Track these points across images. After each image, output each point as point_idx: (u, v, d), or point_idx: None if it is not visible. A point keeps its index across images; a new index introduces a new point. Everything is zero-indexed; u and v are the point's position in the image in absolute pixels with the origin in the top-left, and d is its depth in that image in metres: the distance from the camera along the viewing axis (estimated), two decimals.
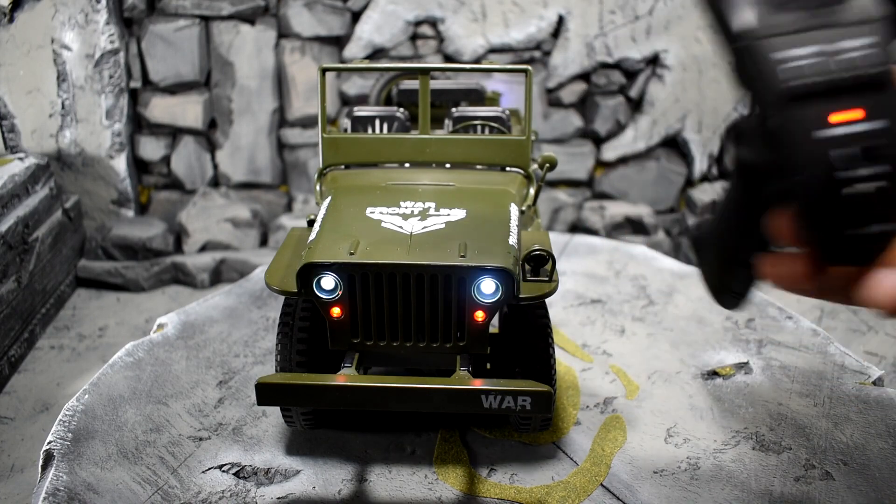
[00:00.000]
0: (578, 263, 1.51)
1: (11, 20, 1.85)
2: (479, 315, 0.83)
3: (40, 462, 0.92)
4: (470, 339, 0.85)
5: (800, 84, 0.49)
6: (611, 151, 2.22)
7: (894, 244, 0.56)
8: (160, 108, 2.07)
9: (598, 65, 2.13)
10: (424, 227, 0.88)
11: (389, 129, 1.19)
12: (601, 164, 2.28)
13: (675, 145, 2.25)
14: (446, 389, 0.77)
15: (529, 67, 1.04)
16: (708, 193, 2.08)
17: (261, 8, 2.03)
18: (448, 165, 1.07)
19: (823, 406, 1.05)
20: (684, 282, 1.42)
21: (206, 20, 2.03)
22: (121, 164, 2.01)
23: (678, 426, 1.02)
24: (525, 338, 0.91)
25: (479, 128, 1.19)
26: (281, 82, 2.11)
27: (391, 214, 0.91)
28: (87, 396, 1.04)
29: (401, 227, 0.88)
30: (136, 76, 2.03)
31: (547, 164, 1.04)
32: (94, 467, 0.92)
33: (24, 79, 1.90)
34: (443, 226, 0.88)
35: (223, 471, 0.93)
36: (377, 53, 2.09)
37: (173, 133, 2.12)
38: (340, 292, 0.83)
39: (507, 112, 1.23)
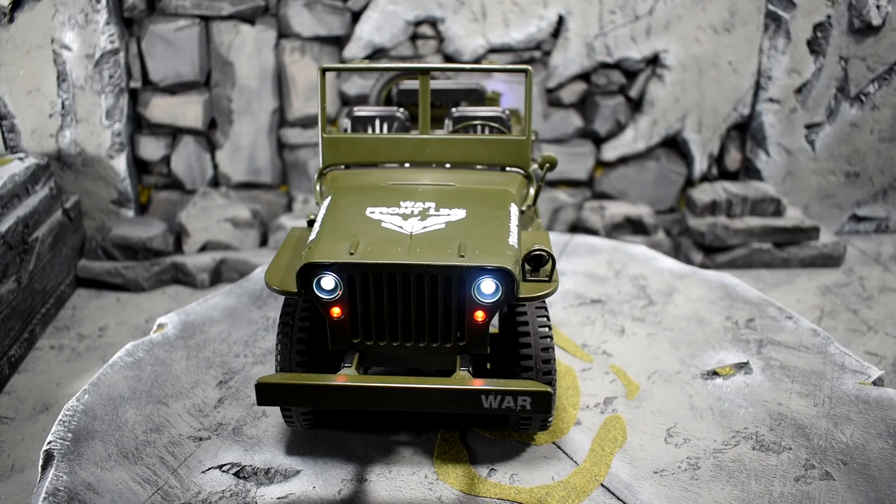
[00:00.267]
0: (578, 263, 1.51)
1: (11, 20, 1.84)
2: (479, 315, 0.84)
3: (40, 462, 0.92)
4: (470, 339, 0.85)
5: None
6: (611, 151, 2.22)
7: None
8: (160, 108, 2.07)
9: (598, 65, 2.13)
10: (424, 227, 0.88)
11: (389, 129, 1.19)
12: (601, 164, 2.28)
13: (675, 145, 2.26)
14: (446, 389, 0.77)
15: (529, 67, 1.04)
16: (708, 193, 2.09)
17: (261, 8, 2.03)
18: (448, 165, 1.07)
19: (823, 406, 1.05)
20: (684, 282, 1.42)
21: (206, 20, 2.03)
22: (121, 164, 2.01)
23: (678, 426, 1.02)
24: (525, 338, 0.91)
25: (479, 128, 1.19)
26: (281, 82, 2.12)
27: (391, 214, 0.91)
28: (87, 396, 1.04)
29: (401, 227, 0.88)
30: (136, 76, 2.03)
31: (547, 164, 1.04)
32: (94, 467, 0.92)
33: (24, 79, 1.90)
34: (443, 226, 0.88)
35: (223, 471, 0.93)
36: (377, 53, 2.10)
37: (173, 133, 2.12)
38: (340, 292, 0.83)
39: (507, 112, 1.23)
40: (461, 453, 0.97)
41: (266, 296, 1.37)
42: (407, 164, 1.08)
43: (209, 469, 0.93)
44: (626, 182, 2.27)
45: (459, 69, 1.08)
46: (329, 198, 0.98)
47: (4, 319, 1.47)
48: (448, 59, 2.10)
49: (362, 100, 2.10)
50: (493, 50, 2.11)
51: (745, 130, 2.25)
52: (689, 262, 2.05)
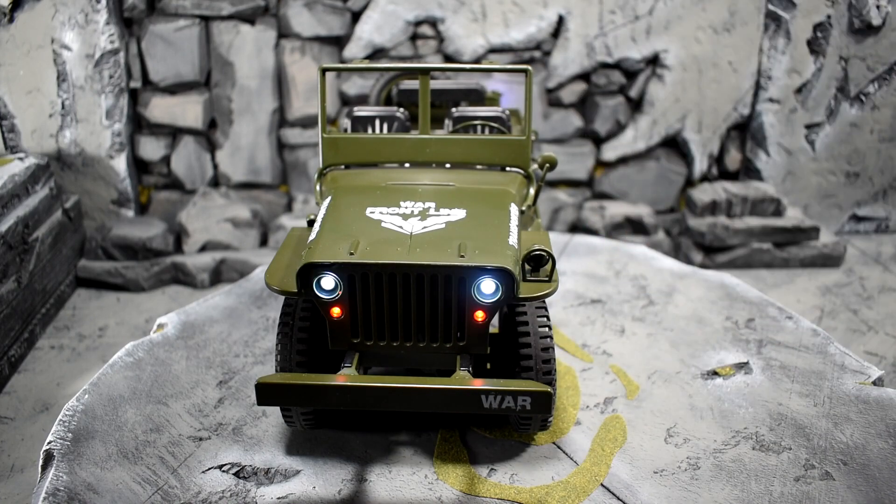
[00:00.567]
0: (578, 263, 1.51)
1: (11, 20, 1.84)
2: (479, 315, 0.84)
3: (40, 462, 0.92)
4: (470, 339, 0.85)
5: None
6: (611, 151, 2.22)
7: None
8: (160, 108, 2.07)
9: (598, 65, 2.13)
10: (424, 227, 0.88)
11: (389, 129, 1.19)
12: (601, 164, 2.28)
13: (675, 145, 2.26)
14: (446, 389, 0.77)
15: (529, 67, 1.04)
16: (708, 193, 2.09)
17: (261, 8, 2.03)
18: (448, 165, 1.07)
19: (823, 406, 1.05)
20: (684, 282, 1.42)
21: (206, 20, 2.03)
22: (121, 164, 2.01)
23: (678, 426, 1.02)
24: (525, 338, 0.91)
25: (479, 128, 1.19)
26: (281, 82, 2.12)
27: (391, 214, 0.91)
28: (87, 396, 1.04)
29: (401, 227, 0.88)
30: (136, 76, 2.03)
31: (547, 164, 1.04)
32: (94, 467, 0.92)
33: (24, 79, 1.90)
34: (443, 226, 0.88)
35: (223, 471, 0.93)
36: (377, 53, 2.10)
37: (173, 133, 2.12)
38: (340, 292, 0.83)
39: (507, 112, 1.23)
40: (461, 453, 0.97)
41: (266, 296, 1.37)
42: (407, 164, 1.08)
43: (209, 469, 0.93)
44: (626, 182, 2.27)
45: (459, 69, 1.08)
46: (329, 198, 0.98)
47: (4, 319, 1.47)
48: (448, 59, 2.10)
49: (362, 100, 2.10)
50: (493, 50, 2.11)
51: (745, 130, 2.25)
52: (689, 262, 2.05)
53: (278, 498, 0.89)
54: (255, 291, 1.39)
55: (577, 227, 2.21)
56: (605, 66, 2.14)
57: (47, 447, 0.93)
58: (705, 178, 2.29)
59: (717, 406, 1.06)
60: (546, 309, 0.94)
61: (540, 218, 1.15)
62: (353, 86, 2.11)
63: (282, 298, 1.24)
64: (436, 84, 1.48)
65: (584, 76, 2.16)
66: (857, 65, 2.14)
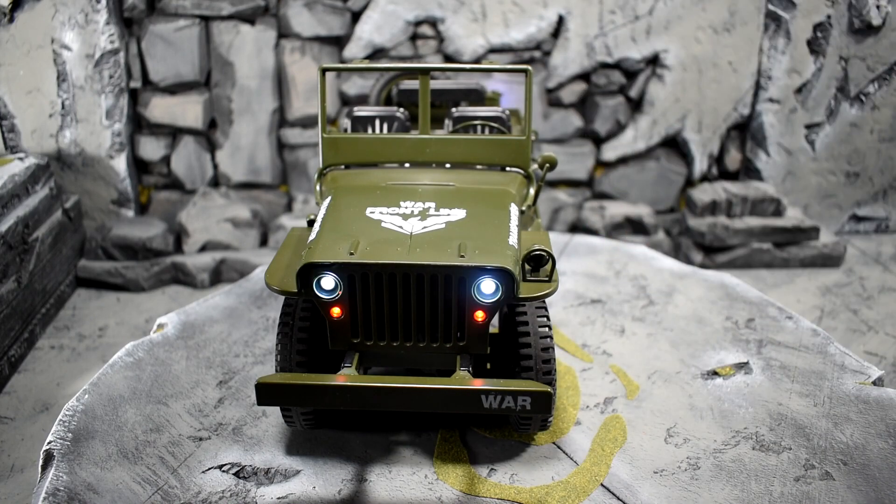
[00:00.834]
0: (578, 263, 1.51)
1: (11, 20, 1.84)
2: (479, 315, 0.84)
3: (40, 462, 0.92)
4: (470, 339, 0.85)
5: None
6: (611, 151, 2.22)
7: None
8: (160, 108, 2.07)
9: (598, 65, 2.13)
10: (424, 227, 0.88)
11: (389, 129, 1.19)
12: (601, 164, 2.28)
13: (675, 145, 2.26)
14: (446, 389, 0.77)
15: (529, 67, 1.04)
16: (708, 193, 2.09)
17: (261, 8, 2.03)
18: (448, 165, 1.07)
19: (823, 406, 1.05)
20: (684, 282, 1.42)
21: (206, 20, 2.03)
22: (121, 164, 2.01)
23: (678, 426, 1.02)
24: (525, 338, 0.91)
25: (479, 128, 1.19)
26: (281, 82, 2.12)
27: (391, 214, 0.91)
28: (87, 396, 1.04)
29: (401, 227, 0.88)
30: (136, 76, 2.03)
31: (547, 164, 1.04)
32: (94, 467, 0.92)
33: (24, 79, 1.90)
34: (443, 226, 0.88)
35: (223, 471, 0.93)
36: (377, 53, 2.10)
37: (173, 133, 2.12)
38: (340, 292, 0.83)
39: (507, 112, 1.23)
40: (461, 453, 0.97)
41: (266, 296, 1.37)
42: (407, 164, 1.08)
43: (209, 469, 0.93)
44: (626, 182, 2.27)
45: (459, 69, 1.08)
46: (329, 198, 0.98)
47: (4, 319, 1.47)
48: (448, 59, 2.10)
49: (362, 100, 2.10)
50: (493, 50, 2.11)
51: (745, 130, 2.25)
52: (689, 262, 2.05)
53: (278, 498, 0.89)
54: (255, 291, 1.39)
55: (577, 227, 2.21)
56: (605, 66, 2.14)
57: (47, 447, 0.93)
58: (705, 178, 2.29)
59: (717, 406, 1.06)
60: (546, 309, 0.94)
61: (540, 218, 1.15)
62: (353, 86, 2.11)
63: (282, 298, 1.24)
64: (436, 84, 1.48)
65: (584, 76, 2.16)
66: (857, 65, 2.14)
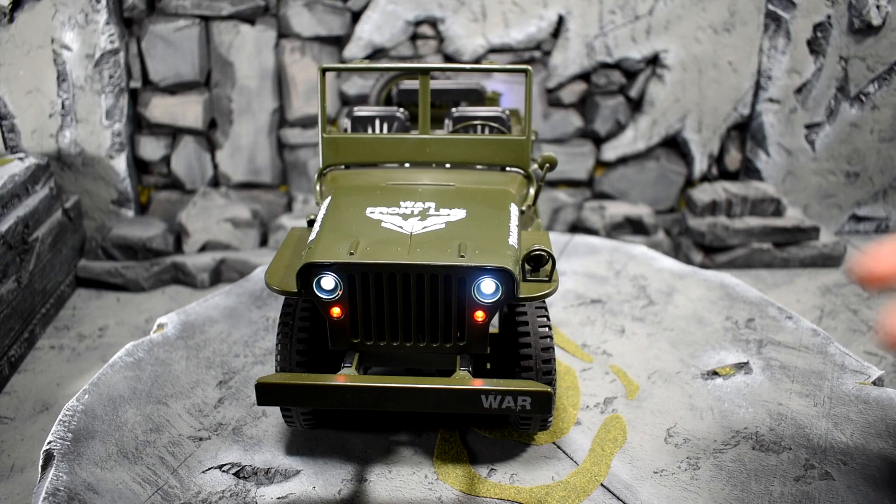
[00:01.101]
0: (578, 263, 1.51)
1: (11, 20, 1.84)
2: (479, 315, 0.84)
3: (40, 462, 0.92)
4: (470, 339, 0.85)
5: None
6: (611, 151, 2.22)
7: None
8: (160, 108, 2.07)
9: (598, 65, 2.13)
10: (424, 227, 0.88)
11: (389, 129, 1.19)
12: (601, 164, 2.28)
13: (675, 145, 2.26)
14: (446, 389, 0.77)
15: (529, 67, 1.04)
16: (708, 193, 2.09)
17: (261, 8, 2.03)
18: (448, 165, 1.07)
19: (823, 406, 1.05)
20: (684, 282, 1.42)
21: (206, 20, 2.03)
22: (121, 164, 2.01)
23: (678, 426, 1.02)
24: (525, 338, 0.91)
25: (479, 128, 1.19)
26: (281, 82, 2.12)
27: (391, 214, 0.91)
28: (87, 396, 1.04)
29: (401, 227, 0.88)
30: (136, 76, 2.03)
31: (547, 164, 1.04)
32: (94, 467, 0.92)
33: (24, 79, 1.90)
34: (443, 226, 0.88)
35: (223, 471, 0.93)
36: (377, 53, 2.10)
37: (173, 133, 2.12)
38: (340, 292, 0.83)
39: (507, 112, 1.23)
40: (461, 453, 0.97)
41: (266, 296, 1.37)
42: (407, 165, 1.08)
43: (209, 469, 0.93)
44: (626, 182, 2.27)
45: (459, 69, 1.08)
46: (329, 198, 0.98)
47: (4, 319, 1.47)
48: (448, 59, 2.10)
49: (362, 100, 2.10)
50: (493, 50, 2.11)
51: (745, 130, 2.25)
52: (689, 262, 2.05)
53: (278, 498, 0.89)
54: (255, 291, 1.39)
55: (577, 227, 2.21)
56: (605, 66, 2.14)
57: (47, 447, 0.93)
58: (705, 178, 2.29)
59: (717, 406, 1.06)
60: (546, 309, 0.94)
61: (540, 218, 1.15)
62: (353, 86, 2.11)
63: (282, 298, 1.24)
64: (436, 84, 1.48)
65: (584, 76, 2.16)
66: (857, 65, 2.14)
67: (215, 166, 2.17)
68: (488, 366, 1.01)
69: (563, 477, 0.93)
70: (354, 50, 2.08)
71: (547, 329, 0.91)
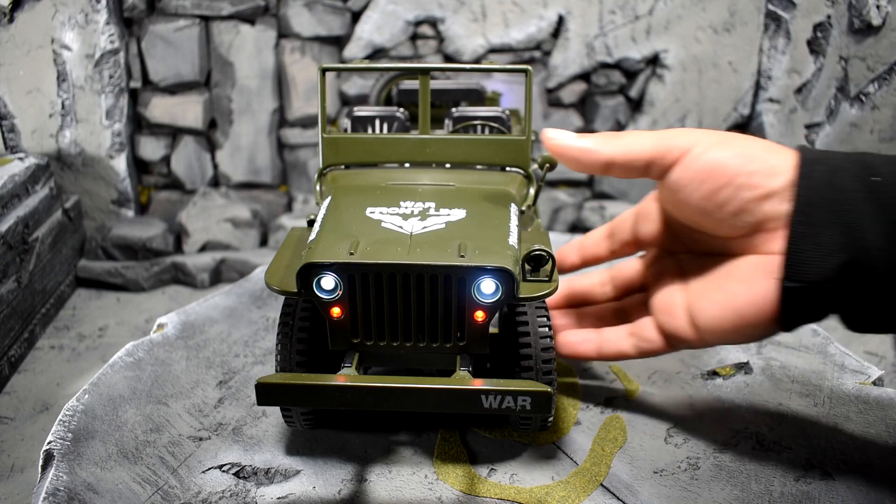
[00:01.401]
0: None
1: (11, 20, 1.84)
2: (479, 315, 0.84)
3: (40, 462, 0.92)
4: (470, 339, 0.85)
5: None
6: None
7: None
8: (160, 108, 2.07)
9: (598, 65, 2.13)
10: (424, 227, 0.88)
11: (389, 129, 1.19)
12: None
13: None
14: (446, 389, 0.77)
15: (529, 67, 1.04)
16: None
17: (261, 8, 2.03)
18: (448, 165, 1.07)
19: (823, 406, 1.05)
20: None
21: (206, 20, 2.03)
22: (121, 164, 2.01)
23: (678, 426, 1.02)
24: (525, 338, 0.91)
25: (479, 128, 1.19)
26: (281, 82, 2.12)
27: (391, 214, 0.91)
28: (87, 396, 1.04)
29: (401, 227, 0.88)
30: (136, 76, 2.03)
31: (547, 164, 1.04)
32: (94, 467, 0.92)
33: (24, 79, 1.90)
34: (443, 226, 0.88)
35: (223, 471, 0.93)
36: (377, 53, 2.10)
37: (173, 133, 2.12)
38: (340, 292, 0.83)
39: (507, 112, 1.23)
40: (461, 453, 0.97)
41: (266, 296, 1.37)
42: (407, 165, 1.08)
43: (209, 469, 0.93)
44: (625, 182, 2.27)
45: (459, 69, 1.08)
46: (329, 198, 0.98)
47: (4, 319, 1.47)
48: (448, 59, 2.10)
49: (362, 100, 2.10)
50: (493, 50, 2.11)
51: (745, 130, 2.25)
52: None
53: (278, 498, 0.89)
54: (255, 291, 1.39)
55: (577, 227, 2.21)
56: (605, 66, 2.14)
57: (47, 447, 0.93)
58: None
59: (717, 406, 1.06)
60: (546, 309, 0.94)
61: (540, 218, 1.15)
62: (353, 86, 2.11)
63: (282, 298, 1.24)
64: (436, 84, 1.48)
65: (584, 76, 2.16)
66: (857, 65, 2.14)
67: (215, 166, 2.17)
68: (488, 366, 1.01)
69: (563, 477, 0.93)
70: (354, 50, 2.08)
71: (547, 329, 0.91)
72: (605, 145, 0.91)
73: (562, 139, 0.92)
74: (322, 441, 0.99)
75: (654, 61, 2.14)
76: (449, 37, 2.08)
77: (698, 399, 1.08)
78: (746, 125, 2.24)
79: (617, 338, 1.01)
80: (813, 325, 1.25)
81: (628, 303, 1.09)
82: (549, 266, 0.86)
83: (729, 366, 1.15)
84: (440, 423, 1.03)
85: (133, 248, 1.92)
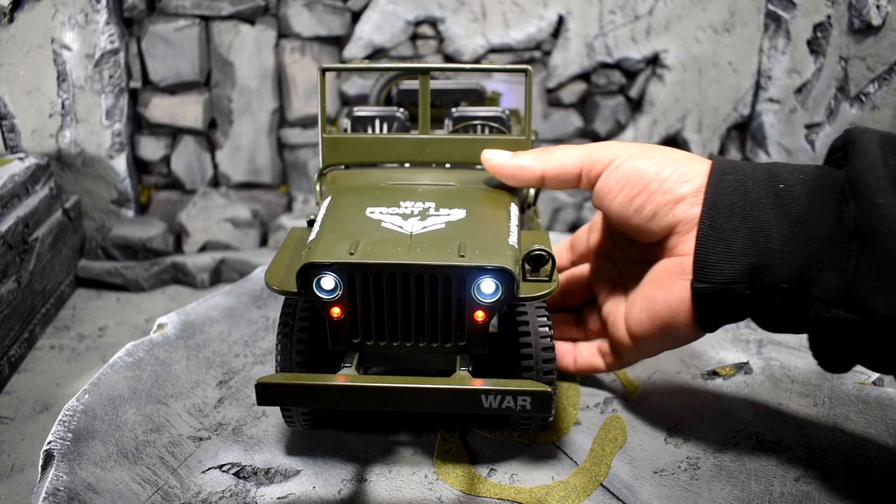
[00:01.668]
0: None
1: (11, 20, 1.84)
2: (479, 315, 0.84)
3: (40, 462, 0.92)
4: (470, 338, 0.85)
5: None
6: None
7: None
8: (160, 108, 2.06)
9: (598, 65, 2.13)
10: (424, 227, 0.88)
11: (389, 129, 1.20)
12: None
13: (675, 145, 2.25)
14: (446, 389, 0.77)
15: (529, 67, 1.04)
16: None
17: (261, 8, 2.03)
18: (448, 165, 1.07)
19: (823, 406, 1.05)
20: None
21: (206, 20, 2.03)
22: (121, 164, 2.01)
23: (678, 426, 1.02)
24: (525, 337, 0.91)
25: (478, 128, 1.19)
26: (281, 82, 2.12)
27: (391, 214, 0.91)
28: (87, 396, 1.04)
29: (401, 227, 0.88)
30: (136, 76, 2.03)
31: None
32: (94, 467, 0.92)
33: (24, 79, 1.90)
34: (443, 226, 0.88)
35: (223, 471, 0.93)
36: (377, 53, 2.10)
37: (173, 133, 2.12)
38: (340, 292, 0.83)
39: (507, 112, 1.23)
40: (461, 453, 0.97)
41: (266, 296, 1.37)
42: (407, 164, 1.08)
43: (209, 469, 0.93)
44: None
45: (459, 69, 1.08)
46: (329, 198, 0.98)
47: (4, 319, 1.47)
48: (448, 59, 2.10)
49: (362, 100, 2.10)
50: (493, 50, 2.11)
51: (745, 130, 2.25)
52: None
53: (278, 498, 0.89)
54: (255, 291, 1.39)
55: (576, 227, 2.21)
56: (605, 66, 2.14)
57: (47, 447, 0.93)
58: None
59: (717, 406, 1.06)
60: (546, 308, 0.94)
61: (540, 218, 1.16)
62: (353, 86, 2.11)
63: (282, 298, 1.24)
64: (436, 84, 1.48)
65: (584, 76, 2.16)
66: (857, 65, 2.14)
67: (215, 166, 2.17)
68: (488, 366, 1.01)
69: (563, 477, 0.93)
70: (354, 50, 2.08)
71: (547, 329, 0.91)
72: (537, 161, 0.98)
73: (498, 158, 0.99)
74: (322, 441, 0.99)
75: (654, 61, 2.14)
76: (449, 37, 2.08)
77: (698, 399, 1.08)
78: (746, 125, 2.24)
79: (589, 352, 1.08)
80: None
81: (586, 311, 1.16)
82: (549, 266, 0.86)
83: (729, 366, 1.15)
84: (440, 423, 1.03)
85: (133, 248, 1.92)
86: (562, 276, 1.20)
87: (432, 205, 0.93)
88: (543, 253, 0.85)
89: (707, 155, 2.24)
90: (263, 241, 2.09)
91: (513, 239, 0.88)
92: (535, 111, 2.17)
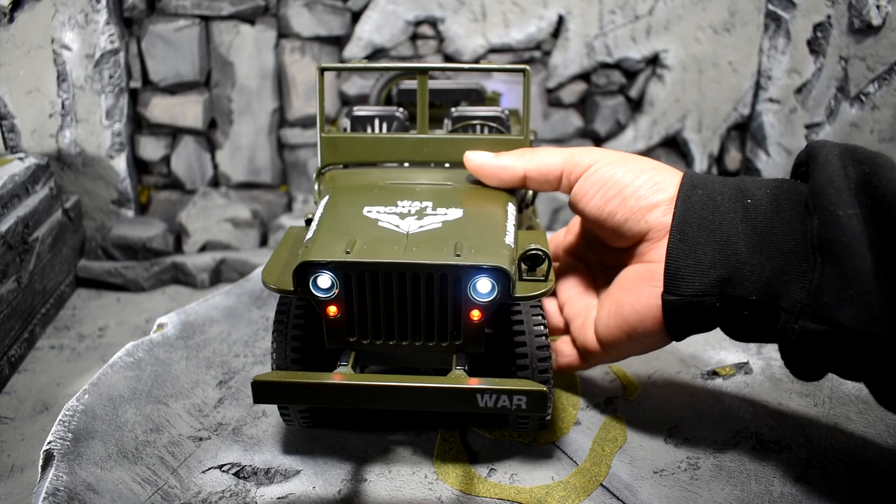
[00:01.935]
0: None
1: (11, 20, 1.85)
2: (475, 314, 0.84)
3: (40, 462, 0.92)
4: (466, 338, 0.85)
5: None
6: None
7: None
8: (160, 108, 2.07)
9: (598, 65, 2.13)
10: (421, 227, 0.88)
11: (389, 129, 1.20)
12: None
13: (675, 145, 2.25)
14: (441, 388, 0.77)
15: (528, 67, 1.04)
16: None
17: (261, 8, 2.03)
18: (446, 165, 1.07)
19: (823, 406, 1.05)
20: None
21: (206, 20, 2.03)
22: (121, 164, 2.01)
23: (678, 426, 1.02)
24: (520, 336, 0.91)
25: (478, 128, 1.19)
26: (281, 82, 2.12)
27: (388, 213, 0.91)
28: (87, 396, 1.04)
29: (397, 226, 0.88)
30: (136, 76, 2.03)
31: None
32: (94, 467, 0.92)
33: (24, 79, 1.90)
34: (440, 225, 0.88)
35: (223, 471, 0.93)
36: (377, 53, 2.10)
37: (173, 133, 2.12)
38: (337, 291, 0.83)
39: (507, 112, 1.23)
40: (461, 453, 0.97)
41: (266, 296, 1.37)
42: (405, 164, 1.08)
43: (209, 469, 0.93)
44: None
45: (459, 69, 1.08)
46: (327, 197, 0.98)
47: (4, 319, 1.47)
48: (448, 59, 2.10)
49: (362, 100, 2.10)
50: (493, 50, 2.11)
51: (745, 130, 2.25)
52: None
53: (278, 498, 0.89)
54: (255, 291, 1.39)
55: None
56: (605, 66, 2.14)
57: (47, 447, 0.93)
58: None
59: (717, 406, 1.06)
60: (541, 308, 0.94)
61: (538, 218, 1.16)
62: (353, 86, 2.11)
63: None
64: (435, 84, 1.48)
65: (584, 76, 2.16)
66: (857, 65, 2.13)
67: (215, 166, 2.17)
68: (484, 365, 1.01)
69: (563, 477, 0.93)
70: (354, 50, 2.08)
71: (542, 328, 0.91)
72: (519, 161, 1.00)
73: (481, 159, 1.01)
74: (322, 441, 0.99)
75: (654, 61, 2.14)
76: (449, 37, 2.08)
77: (698, 399, 1.08)
78: (746, 125, 2.23)
79: (569, 351, 1.08)
80: None
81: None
82: (545, 266, 0.86)
83: (729, 366, 1.15)
84: (440, 422, 1.02)
85: (133, 248, 1.92)
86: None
87: (429, 204, 0.93)
88: (540, 252, 0.85)
89: (707, 155, 2.25)
90: (263, 241, 2.09)
91: (509, 238, 0.88)
92: (536, 111, 2.17)
